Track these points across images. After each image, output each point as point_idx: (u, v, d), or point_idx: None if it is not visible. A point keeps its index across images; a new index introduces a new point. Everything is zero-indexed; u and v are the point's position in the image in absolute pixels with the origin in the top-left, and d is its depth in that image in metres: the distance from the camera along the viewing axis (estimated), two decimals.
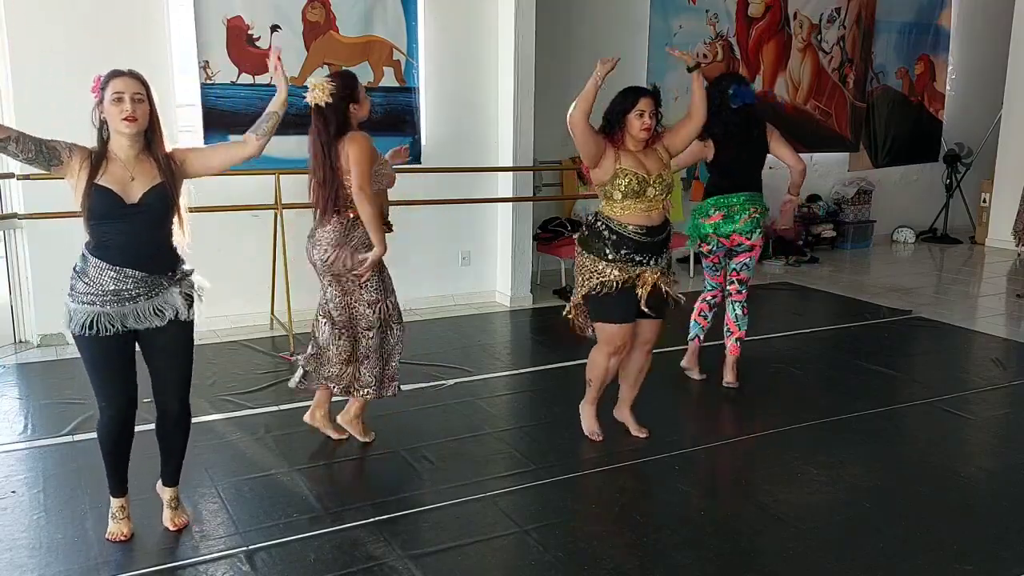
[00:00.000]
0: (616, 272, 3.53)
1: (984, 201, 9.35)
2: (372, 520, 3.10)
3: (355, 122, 3.52)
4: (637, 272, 3.55)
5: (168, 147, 2.81)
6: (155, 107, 2.73)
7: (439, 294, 6.33)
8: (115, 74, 2.66)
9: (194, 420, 3.93)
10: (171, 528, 3.00)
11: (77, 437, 3.79)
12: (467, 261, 6.47)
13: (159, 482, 3.09)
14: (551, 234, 6.95)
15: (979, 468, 3.70)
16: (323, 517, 3.13)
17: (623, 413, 3.91)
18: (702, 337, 4.67)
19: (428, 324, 5.83)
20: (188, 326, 2.87)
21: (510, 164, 6.26)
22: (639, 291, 3.57)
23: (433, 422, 4.06)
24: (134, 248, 2.70)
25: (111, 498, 2.96)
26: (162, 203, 2.73)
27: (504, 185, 6.35)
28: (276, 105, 3.00)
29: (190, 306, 2.85)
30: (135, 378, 2.83)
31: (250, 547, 2.92)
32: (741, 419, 4.14)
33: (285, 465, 3.56)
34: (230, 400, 4.29)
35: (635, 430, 3.87)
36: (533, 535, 3.03)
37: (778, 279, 7.49)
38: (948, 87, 9.86)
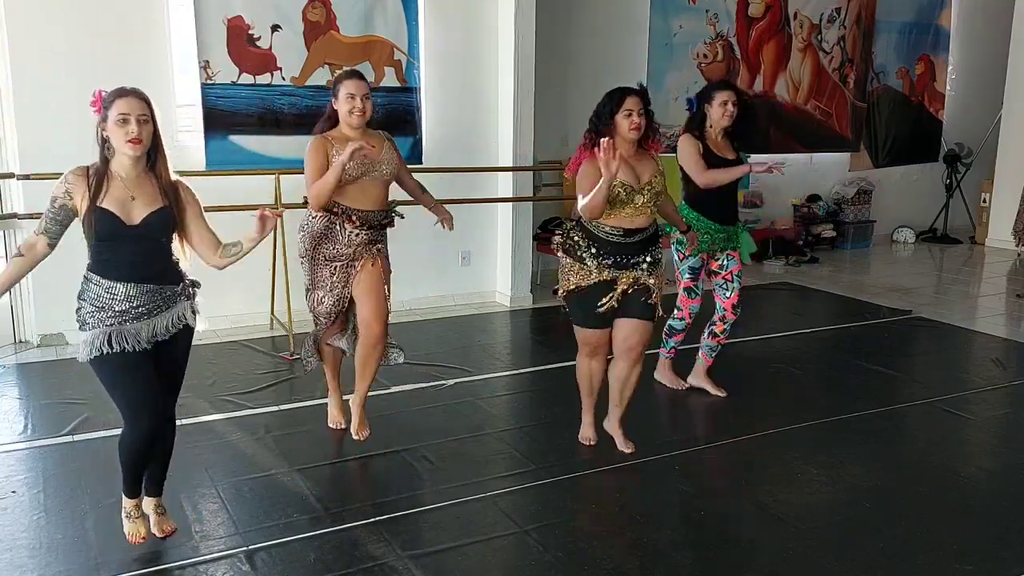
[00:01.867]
0: (589, 278, 3.48)
1: (984, 201, 9.36)
2: (372, 520, 3.10)
3: (342, 120, 3.49)
4: (616, 275, 3.48)
5: (174, 176, 2.78)
6: (159, 127, 2.70)
7: (439, 294, 6.33)
8: (120, 94, 2.62)
9: (194, 420, 3.99)
10: (160, 535, 2.94)
11: (77, 437, 3.79)
12: (467, 261, 6.47)
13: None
14: (551, 234, 6.94)
15: (979, 468, 3.70)
16: (323, 517, 3.13)
17: (611, 425, 3.80)
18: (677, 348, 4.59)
19: (428, 324, 5.83)
20: (190, 338, 2.88)
21: (510, 164, 6.26)
22: (616, 291, 3.48)
23: (433, 422, 4.06)
24: (136, 267, 2.68)
25: (124, 498, 2.91)
26: (163, 225, 2.72)
27: (504, 185, 6.35)
28: (247, 242, 2.89)
29: (195, 317, 2.86)
30: (158, 390, 2.77)
31: (250, 547, 2.92)
32: (741, 419, 4.14)
33: (285, 465, 3.56)
34: (230, 400, 4.29)
35: (621, 444, 3.75)
36: (533, 535, 3.03)
37: (778, 279, 7.49)
38: (948, 87, 9.86)
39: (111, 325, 2.65)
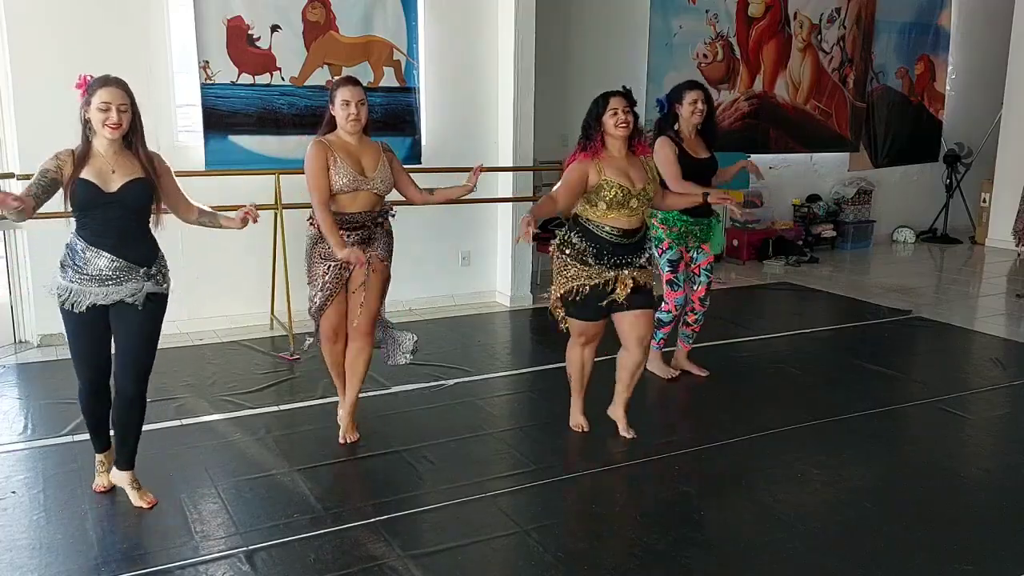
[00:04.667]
0: (592, 278, 3.59)
1: (984, 201, 9.35)
2: (372, 520, 3.10)
3: (338, 124, 3.56)
4: (615, 275, 3.60)
5: (152, 148, 3.03)
6: (138, 113, 2.95)
7: (439, 294, 6.33)
8: (104, 83, 2.87)
9: (194, 420, 3.99)
10: (146, 506, 3.14)
11: (77, 437, 3.78)
12: (467, 261, 6.47)
13: (113, 470, 3.22)
14: (551, 234, 6.94)
15: (979, 468, 3.69)
16: (323, 517, 3.13)
17: (616, 412, 3.92)
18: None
19: (428, 324, 5.82)
20: (154, 313, 3.05)
21: (510, 164, 6.26)
22: (618, 291, 3.60)
23: (433, 422, 4.06)
24: (113, 235, 2.91)
25: (95, 453, 3.25)
26: (140, 195, 2.94)
27: (504, 185, 6.35)
28: (224, 222, 3.21)
29: (159, 296, 3.04)
30: (108, 352, 3.06)
31: (250, 547, 2.92)
32: (741, 419, 4.14)
33: (285, 465, 3.56)
34: (230, 400, 4.29)
35: (623, 430, 3.87)
36: (533, 535, 3.03)
37: (778, 279, 7.50)
38: (948, 87, 9.87)
39: (79, 284, 2.92)
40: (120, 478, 3.20)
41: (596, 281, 3.60)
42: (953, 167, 9.64)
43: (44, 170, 2.87)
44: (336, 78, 3.67)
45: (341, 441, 3.79)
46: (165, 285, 3.06)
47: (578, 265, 3.61)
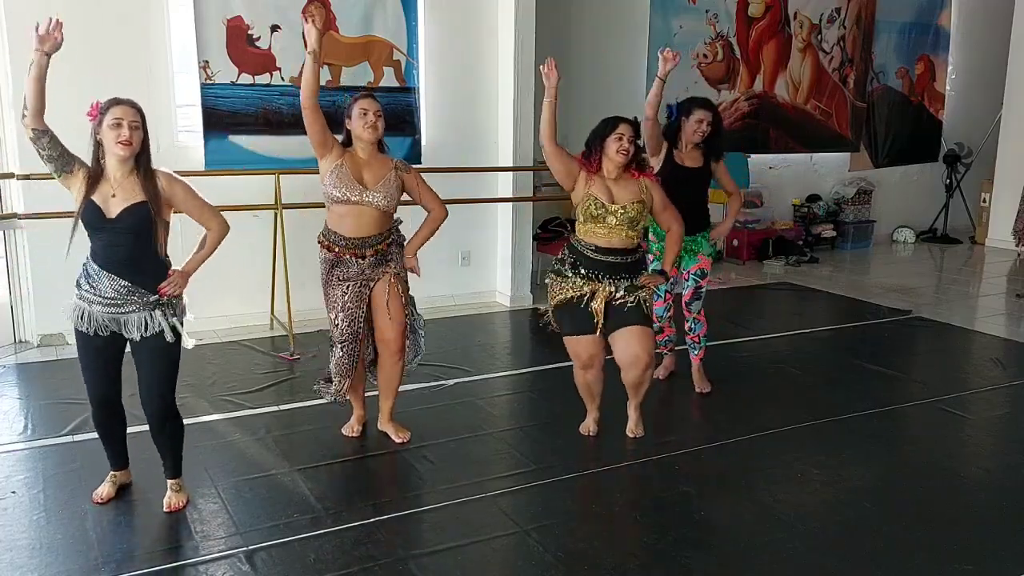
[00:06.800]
0: (571, 289, 3.62)
1: (984, 201, 9.36)
2: (372, 520, 3.10)
3: (355, 137, 3.58)
4: (592, 288, 3.59)
5: (155, 165, 3.00)
6: (148, 135, 2.95)
7: (439, 294, 6.32)
8: (115, 102, 2.89)
9: (194, 420, 3.99)
10: (165, 508, 3.15)
11: (77, 437, 3.79)
12: (467, 261, 6.47)
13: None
14: (551, 234, 6.95)
15: (979, 468, 3.69)
16: (323, 517, 3.13)
17: (630, 407, 3.90)
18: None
19: (428, 324, 5.79)
20: (162, 349, 3.01)
21: (510, 164, 6.26)
22: (594, 304, 3.59)
23: (433, 422, 4.06)
24: (113, 257, 2.92)
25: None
26: (139, 220, 2.91)
27: (504, 185, 6.35)
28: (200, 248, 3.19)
29: (172, 327, 3.00)
30: (116, 376, 3.08)
31: (250, 547, 2.92)
32: (741, 419, 4.14)
33: (285, 465, 3.56)
34: (230, 400, 4.29)
35: (630, 427, 3.88)
36: (533, 535, 3.03)
37: (778, 279, 7.50)
38: (948, 87, 9.87)
39: (92, 305, 2.94)
40: (169, 482, 3.22)
41: (573, 294, 3.61)
42: (953, 167, 9.64)
43: (73, 152, 2.91)
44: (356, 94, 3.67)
45: (399, 441, 3.77)
46: (175, 315, 3.02)
47: (560, 280, 3.66)
